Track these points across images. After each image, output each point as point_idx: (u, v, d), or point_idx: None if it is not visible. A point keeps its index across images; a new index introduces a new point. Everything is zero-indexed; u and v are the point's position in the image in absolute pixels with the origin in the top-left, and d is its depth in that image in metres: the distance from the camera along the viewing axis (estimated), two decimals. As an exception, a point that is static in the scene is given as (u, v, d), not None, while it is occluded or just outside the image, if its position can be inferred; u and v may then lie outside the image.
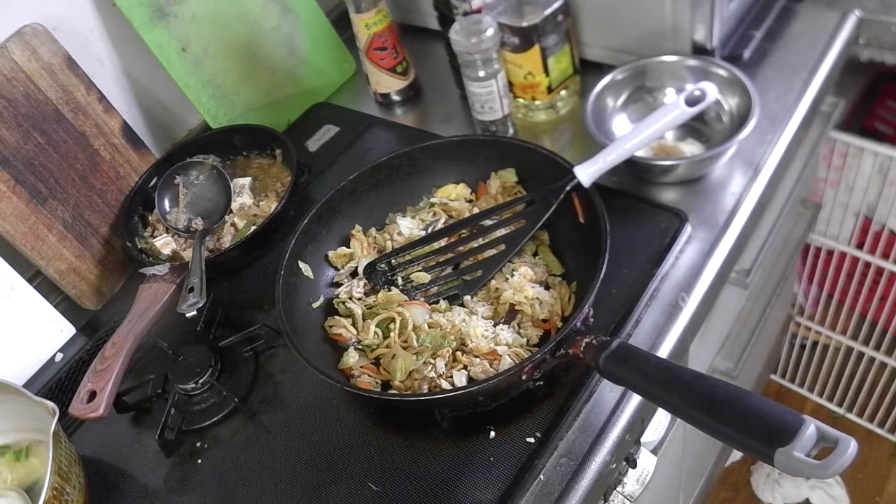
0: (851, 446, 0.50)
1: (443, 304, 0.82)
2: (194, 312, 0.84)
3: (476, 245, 0.86)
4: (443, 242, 0.87)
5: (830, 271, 1.55)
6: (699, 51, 0.94)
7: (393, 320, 0.80)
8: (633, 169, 0.89)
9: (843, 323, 1.62)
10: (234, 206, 1.01)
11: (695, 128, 0.93)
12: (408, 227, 0.89)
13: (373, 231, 0.91)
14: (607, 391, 0.74)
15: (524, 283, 0.79)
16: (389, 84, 1.12)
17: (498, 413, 0.73)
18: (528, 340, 0.77)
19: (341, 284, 0.87)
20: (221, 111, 1.08)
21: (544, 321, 0.78)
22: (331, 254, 0.88)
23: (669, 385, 0.60)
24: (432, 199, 0.92)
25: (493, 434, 0.72)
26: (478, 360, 0.75)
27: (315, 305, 0.84)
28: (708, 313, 0.84)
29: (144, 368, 0.89)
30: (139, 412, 0.86)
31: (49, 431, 0.71)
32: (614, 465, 0.72)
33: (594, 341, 0.66)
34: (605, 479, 0.72)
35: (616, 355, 0.64)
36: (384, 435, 0.76)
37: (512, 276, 0.81)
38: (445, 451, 0.72)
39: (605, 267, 0.70)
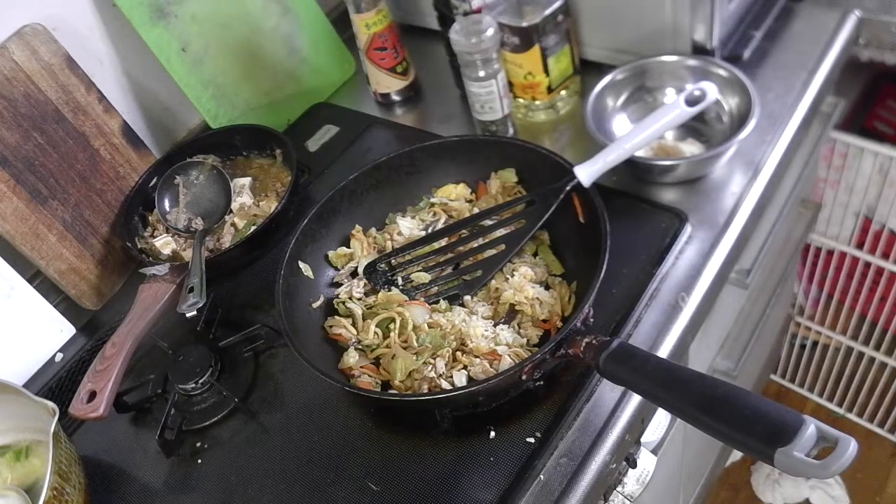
0: (851, 446, 0.50)
1: (443, 304, 0.82)
2: (194, 312, 0.84)
3: (476, 245, 0.86)
4: (443, 242, 0.87)
5: (830, 271, 1.55)
6: (699, 51, 0.94)
7: (393, 320, 0.80)
8: (633, 169, 0.89)
9: (843, 323, 1.62)
10: (234, 206, 1.01)
11: (695, 128, 0.93)
12: (408, 227, 0.89)
13: (373, 231, 0.91)
14: (607, 391, 0.74)
15: (524, 283, 0.79)
16: (389, 84, 1.12)
17: (498, 413, 0.73)
18: (528, 340, 0.77)
19: (341, 284, 0.87)
20: (221, 111, 1.08)
21: (544, 321, 0.78)
22: (331, 254, 0.88)
23: (669, 385, 0.60)
24: (432, 199, 0.92)
25: (493, 434, 0.72)
26: (478, 360, 0.75)
27: (315, 305, 0.84)
28: (708, 313, 0.84)
29: (144, 368, 0.89)
30: (139, 412, 0.86)
31: (49, 431, 0.71)
32: (614, 465, 0.72)
33: (594, 341, 0.66)
34: (605, 479, 0.72)
35: (616, 355, 0.64)
36: (384, 435, 0.76)
37: (512, 276, 0.81)
38: (445, 451, 0.72)
39: (605, 267, 0.70)
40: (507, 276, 0.82)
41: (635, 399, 0.73)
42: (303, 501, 0.73)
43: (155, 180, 1.03)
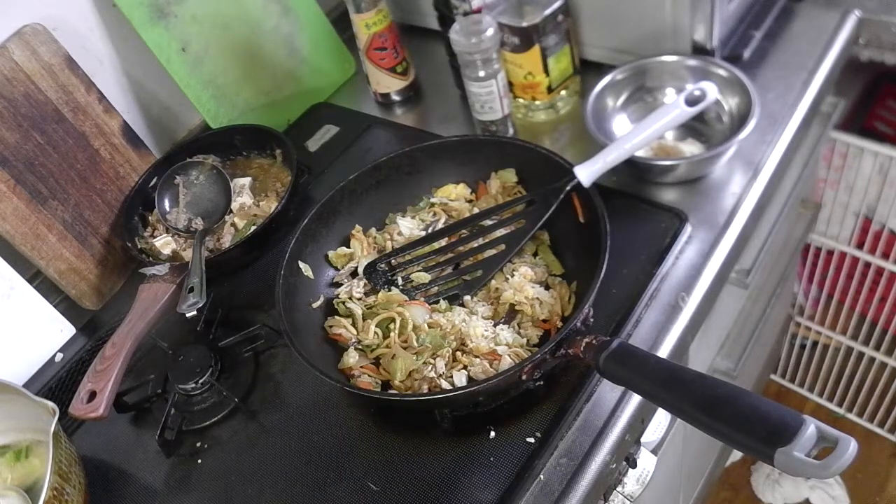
0: (851, 446, 0.50)
1: (443, 304, 0.82)
2: (194, 312, 0.84)
3: (476, 245, 0.86)
4: (443, 242, 0.87)
5: (830, 271, 1.55)
6: (699, 51, 0.94)
7: (393, 320, 0.80)
8: (633, 169, 0.89)
9: (843, 323, 1.62)
10: (234, 206, 1.01)
11: (695, 128, 0.93)
12: (408, 227, 0.89)
13: (373, 231, 0.91)
14: (607, 391, 0.74)
15: (524, 283, 0.79)
16: (389, 84, 1.12)
17: (498, 413, 0.73)
18: (528, 340, 0.77)
19: (341, 284, 0.87)
20: (221, 111, 1.08)
21: (544, 321, 0.78)
22: (331, 254, 0.88)
23: (669, 385, 0.60)
24: (432, 199, 0.92)
25: (493, 434, 0.72)
26: (478, 360, 0.75)
27: (315, 305, 0.84)
28: (708, 313, 0.84)
29: (144, 368, 0.89)
30: (139, 412, 0.86)
31: (49, 431, 0.71)
32: (614, 465, 0.72)
33: (594, 341, 0.66)
34: (605, 479, 0.72)
35: (616, 355, 0.64)
36: (384, 435, 0.76)
37: (512, 276, 0.81)
38: (445, 451, 0.72)
39: (605, 267, 0.70)
40: (507, 276, 0.82)
41: (635, 399, 0.73)
42: (303, 501, 0.73)
43: (155, 180, 1.03)
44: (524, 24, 0.92)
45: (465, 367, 0.75)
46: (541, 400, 0.73)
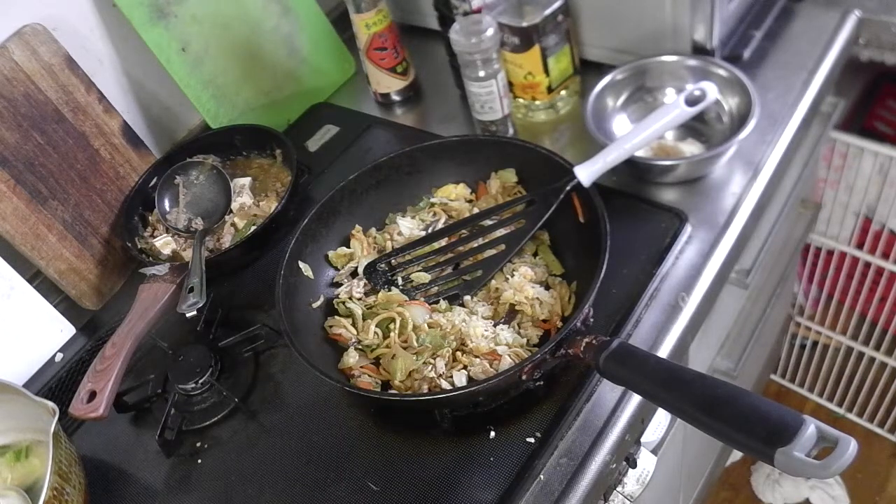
0: (851, 446, 0.50)
1: (443, 304, 0.82)
2: (194, 312, 0.84)
3: (476, 245, 0.86)
4: (443, 242, 0.87)
5: (830, 271, 1.55)
6: (699, 51, 0.94)
7: (393, 320, 0.80)
8: (633, 169, 0.89)
9: (843, 323, 1.62)
10: (234, 206, 1.01)
11: (695, 128, 0.93)
12: (408, 227, 0.89)
13: (373, 231, 0.91)
14: (607, 391, 0.74)
15: (524, 283, 0.79)
16: (389, 84, 1.12)
17: (498, 413, 0.73)
18: (528, 340, 0.77)
19: (341, 284, 0.87)
20: (221, 111, 1.08)
21: (544, 321, 0.78)
22: (331, 254, 0.88)
23: (669, 385, 0.60)
24: (432, 199, 0.92)
25: (493, 434, 0.72)
26: (478, 360, 0.75)
27: (315, 305, 0.84)
28: (708, 313, 0.84)
29: (144, 368, 0.89)
30: (139, 412, 0.86)
31: (49, 431, 0.71)
32: (614, 465, 0.72)
33: (594, 341, 0.66)
34: (605, 479, 0.72)
35: (616, 355, 0.64)
36: (384, 435, 0.76)
37: (512, 276, 0.81)
38: (445, 451, 0.72)
39: (605, 267, 0.70)
40: (507, 276, 0.82)
41: (635, 399, 0.73)
42: (302, 501, 0.73)
43: (155, 180, 1.03)
44: (524, 24, 0.92)
45: (465, 367, 0.75)
46: (541, 400, 0.73)
